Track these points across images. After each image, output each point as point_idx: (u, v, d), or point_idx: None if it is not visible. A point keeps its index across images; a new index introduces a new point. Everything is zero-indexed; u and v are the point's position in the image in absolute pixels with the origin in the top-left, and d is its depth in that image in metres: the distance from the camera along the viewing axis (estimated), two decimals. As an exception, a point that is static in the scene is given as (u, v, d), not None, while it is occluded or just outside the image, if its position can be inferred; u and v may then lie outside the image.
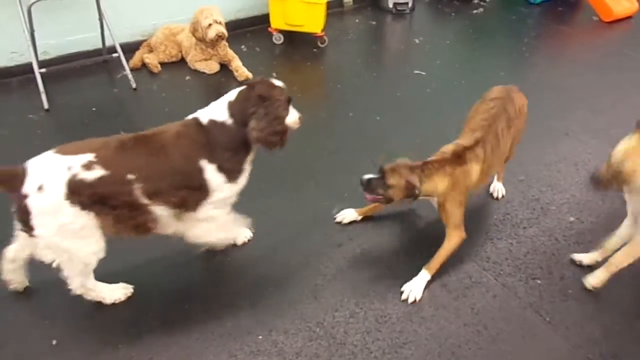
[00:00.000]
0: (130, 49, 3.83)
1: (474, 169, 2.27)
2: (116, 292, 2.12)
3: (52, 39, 3.70)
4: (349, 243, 2.46)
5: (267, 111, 1.96)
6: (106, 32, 3.62)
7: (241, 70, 3.74)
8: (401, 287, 2.23)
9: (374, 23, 4.76)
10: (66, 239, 1.83)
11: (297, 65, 4.04)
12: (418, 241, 2.51)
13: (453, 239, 2.30)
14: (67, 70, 3.69)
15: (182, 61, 3.91)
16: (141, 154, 1.89)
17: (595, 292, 2.22)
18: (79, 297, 2.05)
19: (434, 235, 2.50)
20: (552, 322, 2.12)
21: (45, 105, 3.34)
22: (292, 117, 2.10)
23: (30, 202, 1.75)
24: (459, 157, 2.24)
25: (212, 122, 1.97)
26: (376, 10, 4.98)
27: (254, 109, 1.96)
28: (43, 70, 3.44)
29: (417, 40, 4.52)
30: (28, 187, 1.75)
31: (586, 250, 2.42)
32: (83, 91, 3.58)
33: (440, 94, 3.69)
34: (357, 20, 4.79)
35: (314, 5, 4.02)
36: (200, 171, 1.95)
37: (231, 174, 2.01)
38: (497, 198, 2.74)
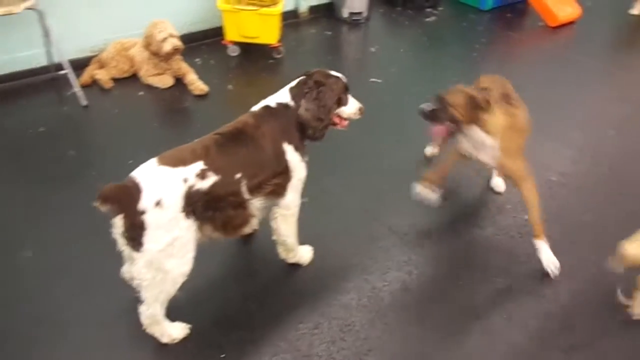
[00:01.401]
0: (79, 65, 3.72)
1: (520, 113, 2.25)
2: (177, 331, 2.03)
3: (-5, 57, 3.57)
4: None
5: (317, 96, 2.05)
6: (53, 49, 3.51)
7: (196, 83, 3.69)
8: (349, 294, 2.22)
9: (329, 33, 4.79)
10: (170, 255, 1.80)
11: (254, 76, 4.02)
12: (374, 249, 2.51)
13: (531, 190, 2.27)
14: (11, 89, 3.56)
15: (135, 76, 3.83)
16: (239, 151, 1.93)
17: (551, 287, 2.28)
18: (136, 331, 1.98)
19: (384, 248, 2.52)
20: (512, 318, 2.16)
21: (-10, 127, 3.20)
22: (352, 107, 2.22)
23: (148, 218, 1.71)
24: (507, 98, 2.25)
25: (280, 105, 2.06)
26: (331, 21, 5.02)
27: (309, 91, 2.05)
28: (-14, 89, 3.31)
29: (372, 49, 4.57)
30: (145, 203, 1.71)
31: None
32: (30, 110, 3.44)
33: (397, 100, 3.74)
34: (312, 31, 4.81)
35: (268, 17, 4.02)
36: (284, 153, 2.02)
37: (303, 152, 2.10)
38: (495, 190, 2.83)
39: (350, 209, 2.71)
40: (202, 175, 1.81)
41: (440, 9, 5.35)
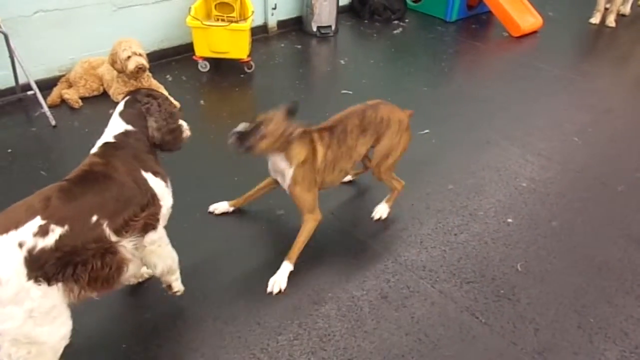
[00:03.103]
0: (47, 85, 3.67)
1: (319, 149, 2.31)
2: None
3: (-41, 80, 3.50)
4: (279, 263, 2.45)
5: (160, 108, 1.94)
6: (19, 70, 3.45)
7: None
8: (328, 304, 2.24)
9: (299, 47, 4.85)
10: (37, 325, 1.56)
11: (225, 91, 4.03)
12: (351, 259, 2.53)
13: (309, 222, 2.36)
14: (-22, 111, 3.49)
15: (105, 95, 3.79)
16: (91, 192, 1.70)
17: (525, 290, 2.34)
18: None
19: (361, 257, 2.55)
20: (487, 322, 2.20)
21: (-45, 150, 3.12)
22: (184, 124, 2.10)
23: None
24: (306, 136, 2.29)
25: (119, 135, 1.88)
26: (300, 35, 5.08)
27: (147, 105, 1.93)
28: (-50, 112, 3.23)
29: (342, 62, 4.64)
30: None
31: (515, 251, 2.56)
32: (-2, 132, 3.38)
33: (368, 111, 3.79)
34: (282, 45, 4.86)
35: (237, 32, 4.04)
36: (145, 181, 1.84)
37: (164, 177, 1.94)
38: (375, 219, 2.72)
39: (324, 220, 2.73)
40: (42, 231, 1.54)
41: (406, 20, 5.48)
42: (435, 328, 2.17)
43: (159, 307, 2.23)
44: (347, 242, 2.61)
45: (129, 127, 1.90)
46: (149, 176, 1.86)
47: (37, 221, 1.56)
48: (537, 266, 2.49)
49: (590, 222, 2.80)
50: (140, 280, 2.29)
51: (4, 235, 1.51)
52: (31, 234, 1.53)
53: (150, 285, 2.31)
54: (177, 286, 2.17)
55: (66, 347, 1.71)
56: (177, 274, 2.15)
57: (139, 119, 1.93)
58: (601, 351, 2.11)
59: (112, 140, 1.88)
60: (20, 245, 1.51)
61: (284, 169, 2.30)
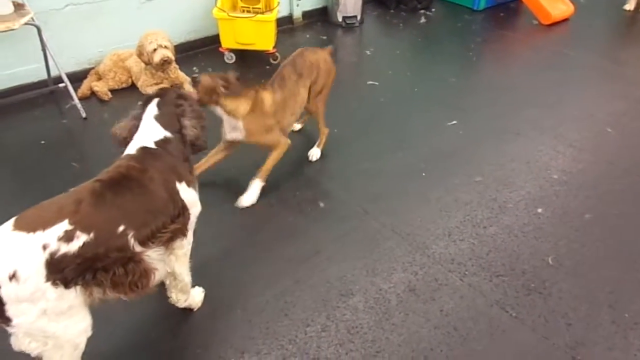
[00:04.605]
0: (77, 78, 3.74)
1: (266, 97, 2.69)
2: None
3: (-7, 73, 3.58)
4: (316, 257, 2.45)
5: (193, 109, 1.99)
6: (50, 62, 3.52)
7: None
8: (355, 297, 2.24)
9: (324, 37, 4.81)
10: (51, 321, 1.57)
11: (251, 83, 4.02)
12: (378, 251, 2.52)
13: (277, 149, 2.76)
14: (10, 104, 3.57)
15: (133, 87, 3.84)
16: (122, 200, 1.69)
17: (557, 283, 2.29)
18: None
19: (388, 249, 2.54)
20: (518, 316, 2.17)
21: (-10, 142, 3.21)
22: None
23: (4, 293, 1.48)
24: (255, 90, 2.68)
25: (159, 142, 1.87)
26: (326, 25, 5.04)
27: (181, 108, 1.96)
28: (-15, 105, 3.32)
29: (368, 52, 4.60)
30: None
31: (546, 244, 2.51)
32: (30, 124, 3.45)
33: (394, 102, 3.76)
34: (307, 36, 4.83)
35: (263, 23, 4.04)
36: (177, 193, 1.83)
37: (195, 185, 1.94)
38: (310, 160, 3.13)
39: (351, 211, 2.73)
40: (67, 237, 1.54)
41: (433, 10, 5.39)
42: (465, 322, 2.15)
43: (189, 297, 2.27)
44: (372, 234, 2.60)
45: (168, 134, 1.90)
46: (182, 187, 1.85)
47: (64, 225, 1.56)
48: (569, 259, 2.44)
49: (624, 214, 2.72)
50: None
51: (31, 234, 1.52)
52: (56, 238, 1.54)
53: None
54: (183, 304, 2.14)
55: (92, 339, 1.74)
56: (187, 296, 2.11)
57: (174, 122, 1.94)
58: (637, 347, 2.06)
59: (152, 146, 1.86)
60: (44, 247, 1.52)
61: (235, 123, 2.65)
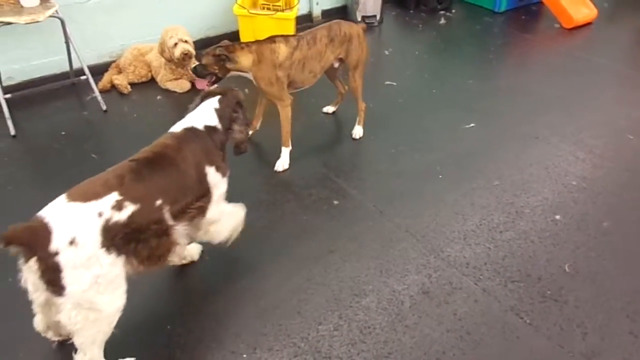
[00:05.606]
0: (98, 70, 3.78)
1: (281, 48, 2.79)
2: None
3: (17, 64, 3.63)
4: (330, 256, 2.45)
5: (244, 117, 2.19)
6: (73, 55, 3.57)
7: (212, 87, 3.72)
8: (368, 297, 2.24)
9: (343, 36, 4.81)
10: (99, 292, 1.67)
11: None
12: (392, 252, 2.51)
13: (282, 111, 2.89)
14: (33, 95, 3.62)
15: (152, 81, 3.87)
16: (158, 177, 1.85)
17: (573, 291, 2.27)
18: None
19: (402, 250, 2.52)
20: (532, 323, 2.15)
21: (12, 132, 3.26)
22: None
23: (63, 259, 1.57)
24: (270, 39, 2.82)
25: (207, 127, 2.06)
26: (345, 24, 5.03)
27: (237, 114, 2.16)
28: (8, 95, 3.37)
29: (386, 52, 4.58)
30: (57, 243, 1.57)
31: (563, 251, 2.48)
32: (51, 115, 3.51)
33: (412, 103, 3.74)
34: (326, 35, 4.83)
35: (283, 21, 4.04)
36: (205, 176, 2.01)
37: (224, 171, 2.11)
38: (354, 138, 3.29)
39: (366, 211, 2.72)
40: (118, 206, 1.69)
41: (453, 11, 5.34)
42: (478, 326, 2.13)
43: (202, 290, 2.29)
44: (386, 235, 2.59)
45: (219, 125, 2.10)
46: (211, 170, 2.02)
47: (115, 196, 1.71)
48: (586, 267, 2.41)
49: (644, 224, 2.68)
50: (184, 262, 2.35)
51: (87, 203, 1.66)
52: (109, 207, 1.68)
53: (193, 268, 2.36)
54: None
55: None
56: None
57: (227, 121, 2.13)
58: (653, 359, 2.03)
59: (200, 127, 2.04)
60: (100, 214, 1.66)
61: (247, 75, 2.83)
